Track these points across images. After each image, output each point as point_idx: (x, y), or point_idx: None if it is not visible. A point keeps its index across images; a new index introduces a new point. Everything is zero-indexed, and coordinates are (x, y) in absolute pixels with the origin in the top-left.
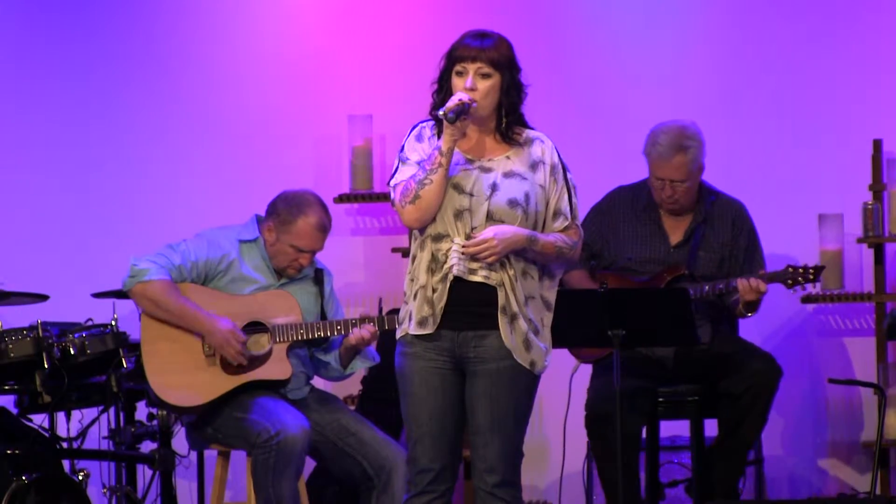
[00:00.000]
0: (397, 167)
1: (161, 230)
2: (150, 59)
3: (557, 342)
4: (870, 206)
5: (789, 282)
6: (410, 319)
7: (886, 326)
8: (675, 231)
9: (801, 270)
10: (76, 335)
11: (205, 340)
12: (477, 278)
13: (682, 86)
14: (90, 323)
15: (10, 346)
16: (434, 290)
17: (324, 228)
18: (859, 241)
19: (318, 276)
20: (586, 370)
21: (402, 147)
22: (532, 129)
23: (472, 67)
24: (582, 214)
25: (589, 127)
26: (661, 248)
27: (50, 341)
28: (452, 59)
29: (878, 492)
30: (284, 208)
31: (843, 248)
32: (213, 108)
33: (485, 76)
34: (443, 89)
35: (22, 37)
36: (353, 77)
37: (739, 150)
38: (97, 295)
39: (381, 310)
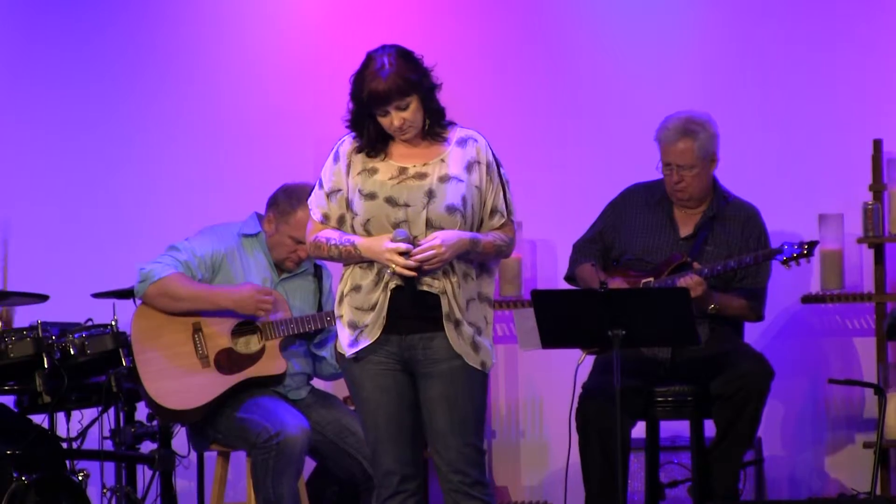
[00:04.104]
0: (317, 183)
1: (161, 230)
2: (151, 59)
3: (557, 342)
4: (870, 206)
5: (784, 258)
6: (353, 330)
7: (886, 326)
8: (686, 224)
9: (795, 247)
10: (76, 335)
11: (237, 312)
12: (421, 287)
13: (682, 86)
14: (90, 323)
15: (10, 346)
16: (375, 302)
17: None
18: (859, 241)
19: (318, 272)
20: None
21: (326, 162)
22: (456, 124)
23: (390, 108)
24: (585, 210)
25: (589, 126)
26: (669, 238)
27: (50, 341)
28: (366, 105)
29: (878, 492)
30: (284, 199)
31: (843, 248)
32: (214, 108)
33: (405, 107)
34: (365, 132)
35: (22, 38)
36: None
37: (739, 150)
38: (97, 295)
39: None
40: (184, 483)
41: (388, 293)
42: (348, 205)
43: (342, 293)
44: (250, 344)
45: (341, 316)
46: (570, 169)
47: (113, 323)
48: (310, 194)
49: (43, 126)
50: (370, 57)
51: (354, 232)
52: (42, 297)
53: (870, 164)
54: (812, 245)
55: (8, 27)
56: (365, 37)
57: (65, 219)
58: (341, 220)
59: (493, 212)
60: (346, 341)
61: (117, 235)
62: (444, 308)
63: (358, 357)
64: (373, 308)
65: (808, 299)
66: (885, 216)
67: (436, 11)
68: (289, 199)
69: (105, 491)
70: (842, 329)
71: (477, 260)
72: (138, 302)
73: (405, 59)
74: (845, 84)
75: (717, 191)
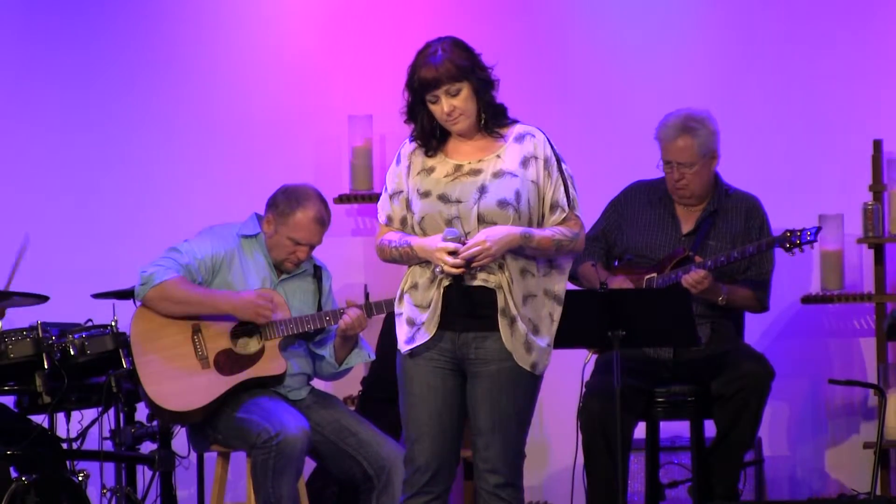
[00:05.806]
0: (384, 187)
1: (161, 231)
2: (151, 60)
3: (557, 343)
4: (870, 207)
5: (787, 245)
6: (411, 327)
7: (886, 326)
8: (688, 220)
9: (798, 233)
10: (76, 336)
11: (237, 317)
12: (476, 282)
13: (682, 86)
14: (90, 324)
15: (10, 346)
16: (430, 299)
17: (322, 222)
18: (859, 241)
19: (317, 273)
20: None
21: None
22: (518, 121)
23: (440, 93)
24: (586, 208)
25: (590, 126)
26: (671, 235)
27: (50, 342)
28: (417, 92)
29: (878, 492)
30: (284, 201)
31: (843, 249)
32: (214, 109)
33: (455, 93)
34: (419, 122)
35: (23, 38)
36: (353, 77)
37: (740, 149)
38: (97, 295)
39: (367, 296)
40: (184, 484)
41: (442, 290)
42: (408, 205)
43: (402, 290)
44: (250, 344)
45: (401, 313)
46: (570, 169)
47: (113, 323)
48: (310, 196)
49: (42, 126)
50: (426, 45)
51: (414, 232)
52: (42, 298)
53: (870, 164)
54: (816, 231)
55: (8, 27)
56: (364, 37)
57: (65, 219)
58: (404, 222)
59: (554, 207)
60: (403, 337)
61: (117, 235)
62: (500, 303)
63: (413, 353)
64: (429, 305)
65: (808, 300)
66: (885, 216)
67: (435, 11)
68: (288, 200)
69: (105, 491)
70: (842, 329)
71: (534, 255)
72: (138, 303)
73: (459, 47)
74: (845, 84)
75: (718, 186)
